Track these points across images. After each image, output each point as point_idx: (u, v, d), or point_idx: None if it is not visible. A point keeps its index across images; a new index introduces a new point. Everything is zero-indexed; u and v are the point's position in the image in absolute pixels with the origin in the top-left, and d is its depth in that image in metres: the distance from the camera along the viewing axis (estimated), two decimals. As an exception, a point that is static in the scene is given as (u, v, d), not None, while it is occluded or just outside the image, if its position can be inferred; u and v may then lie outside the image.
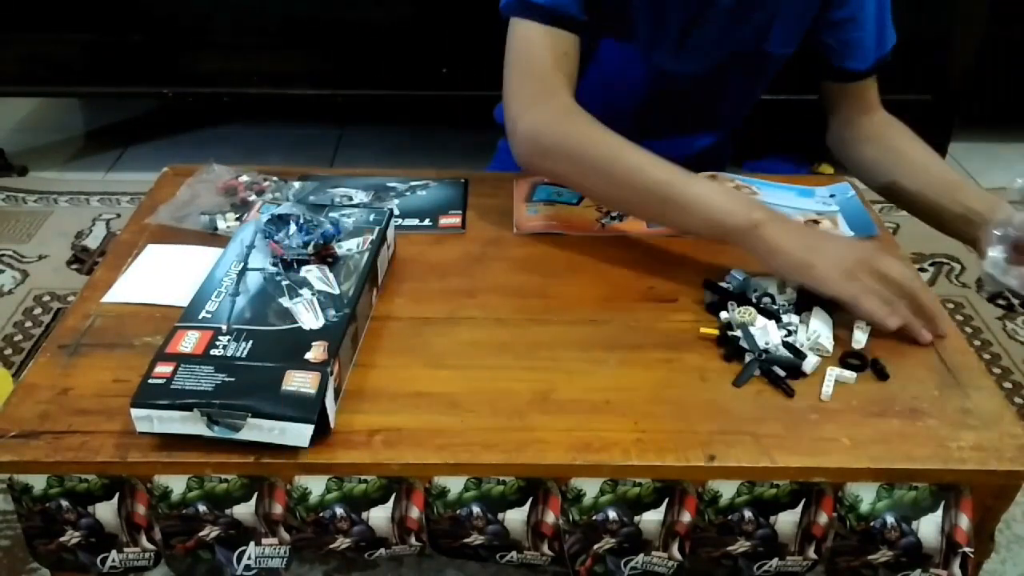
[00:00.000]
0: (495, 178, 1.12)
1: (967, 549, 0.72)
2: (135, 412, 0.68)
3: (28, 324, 1.69)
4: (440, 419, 0.74)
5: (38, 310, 1.73)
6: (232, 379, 0.70)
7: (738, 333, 0.81)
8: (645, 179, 0.88)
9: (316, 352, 0.72)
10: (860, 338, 0.83)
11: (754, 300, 0.85)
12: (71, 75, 2.13)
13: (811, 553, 0.75)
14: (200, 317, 0.76)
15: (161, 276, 0.91)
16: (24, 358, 1.60)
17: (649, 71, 1.09)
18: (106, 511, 0.73)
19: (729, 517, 0.73)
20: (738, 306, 0.84)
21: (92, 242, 1.96)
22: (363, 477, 0.72)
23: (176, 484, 0.72)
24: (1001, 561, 1.23)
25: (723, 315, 0.84)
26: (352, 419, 0.73)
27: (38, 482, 0.72)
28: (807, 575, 0.77)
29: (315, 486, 0.72)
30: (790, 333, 0.82)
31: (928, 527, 0.72)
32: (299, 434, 0.68)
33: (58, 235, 1.98)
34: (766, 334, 0.80)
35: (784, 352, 0.80)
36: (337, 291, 0.80)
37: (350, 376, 0.78)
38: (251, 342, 0.73)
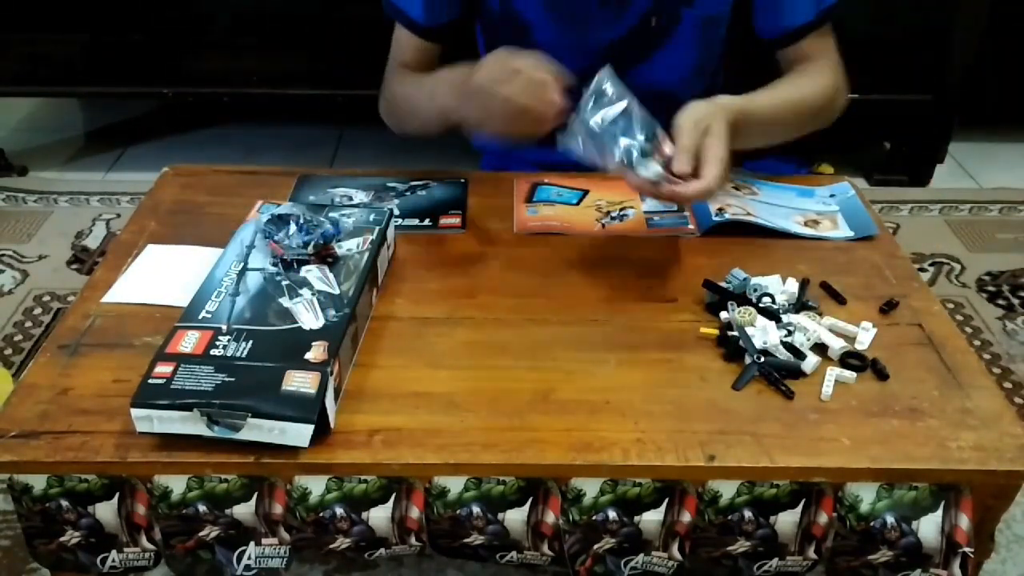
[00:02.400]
0: (495, 178, 1.12)
1: (967, 549, 0.72)
2: (135, 412, 0.68)
3: (28, 324, 1.69)
4: (440, 419, 0.74)
5: (38, 310, 1.73)
6: (232, 379, 0.70)
7: (737, 334, 0.81)
8: (409, 99, 1.09)
9: (316, 352, 0.72)
10: (863, 338, 0.83)
11: (754, 300, 0.85)
12: (71, 75, 2.13)
13: (811, 553, 0.75)
14: (200, 317, 0.76)
15: (161, 276, 0.91)
16: (24, 358, 1.60)
17: (569, 53, 1.09)
18: (106, 511, 0.73)
19: (729, 517, 0.73)
20: (738, 306, 0.84)
21: (92, 242, 1.95)
22: (363, 477, 0.72)
23: (176, 484, 0.72)
24: (1001, 561, 1.23)
25: (723, 315, 0.84)
26: (352, 419, 0.73)
27: (38, 482, 0.72)
28: (807, 575, 0.77)
29: (315, 486, 0.72)
30: (790, 333, 0.82)
31: (928, 527, 0.72)
32: (299, 434, 0.68)
33: (58, 235, 1.98)
34: (766, 334, 0.80)
35: (784, 352, 0.80)
36: (337, 291, 0.80)
37: (350, 376, 0.78)
38: (251, 342, 0.73)
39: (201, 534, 0.74)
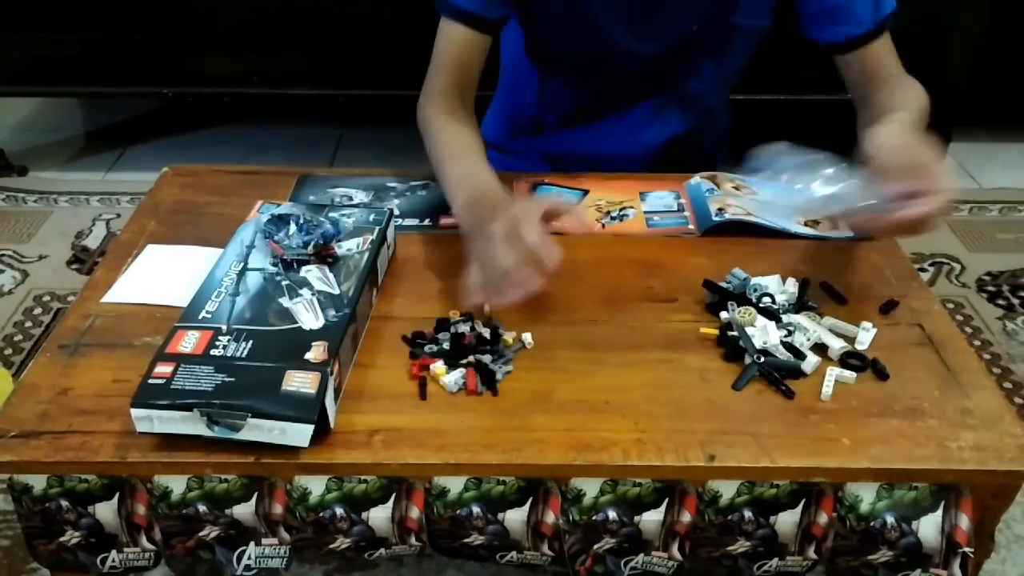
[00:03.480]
0: (495, 178, 1.12)
1: (967, 549, 0.72)
2: (135, 412, 0.68)
3: (28, 324, 1.69)
4: (440, 419, 0.74)
5: (38, 310, 1.73)
6: (232, 379, 0.70)
7: (737, 334, 0.81)
8: (436, 154, 1.02)
9: (316, 352, 0.72)
10: (863, 338, 0.83)
11: (754, 300, 0.85)
12: (71, 75, 2.13)
13: (811, 553, 0.75)
14: (200, 317, 0.76)
15: (161, 276, 0.91)
16: (24, 358, 1.60)
17: (611, 52, 1.09)
18: (106, 511, 0.73)
19: (729, 517, 0.73)
20: (738, 306, 0.84)
21: (92, 242, 1.96)
22: (363, 477, 0.72)
23: (176, 484, 0.72)
24: (1001, 561, 1.23)
25: (723, 315, 0.84)
26: (352, 419, 0.73)
27: (38, 482, 0.72)
28: (807, 575, 0.77)
29: (315, 486, 0.72)
30: (790, 333, 0.82)
31: (928, 527, 0.72)
32: (299, 434, 0.68)
33: (58, 235, 1.98)
34: (766, 334, 0.80)
35: (784, 352, 0.80)
36: (337, 291, 0.80)
37: (350, 376, 0.78)
38: (251, 342, 0.73)
39: (201, 534, 0.74)
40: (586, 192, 1.08)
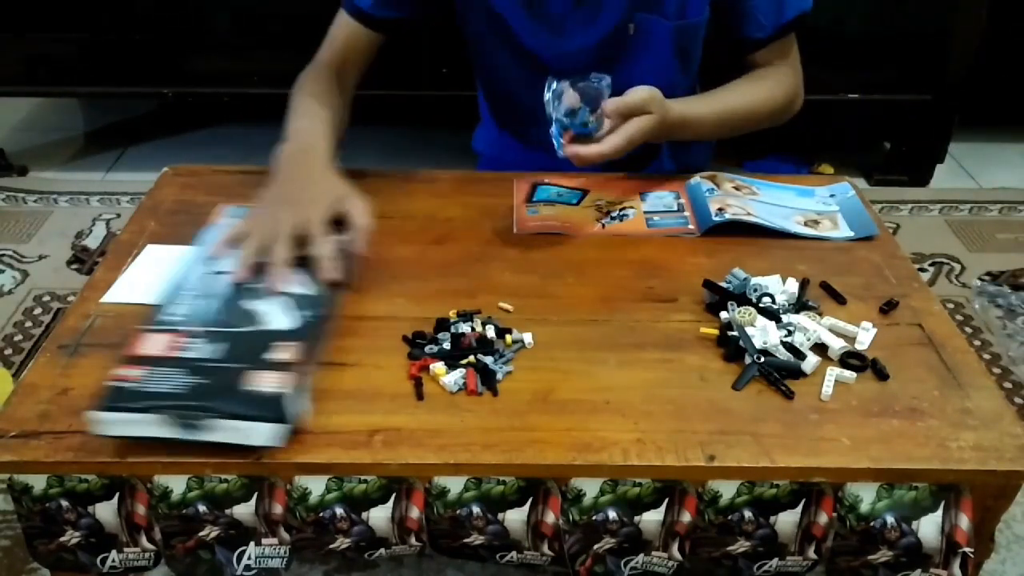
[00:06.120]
0: (495, 178, 1.12)
1: (967, 549, 0.72)
2: (100, 416, 0.67)
3: (28, 324, 1.69)
4: (440, 419, 0.74)
5: (38, 310, 1.73)
6: (199, 381, 0.69)
7: (737, 334, 0.81)
8: (290, 110, 1.13)
9: (285, 352, 0.72)
10: (863, 338, 0.83)
11: (754, 300, 0.85)
12: (71, 75, 2.13)
13: (811, 553, 0.75)
14: (166, 319, 0.76)
15: (161, 276, 0.90)
16: (24, 358, 1.60)
17: (533, 60, 1.10)
18: (106, 511, 0.74)
19: (729, 517, 0.73)
20: (738, 306, 0.84)
21: (92, 242, 1.95)
22: (363, 477, 0.72)
23: (176, 484, 0.72)
24: (1001, 561, 1.23)
25: (723, 315, 0.84)
26: (352, 419, 0.73)
27: (38, 482, 0.72)
28: (807, 575, 0.77)
29: (315, 486, 0.72)
30: (790, 333, 0.82)
31: (928, 527, 0.72)
32: (267, 434, 0.68)
33: (58, 235, 1.98)
34: (766, 334, 0.80)
35: (784, 352, 0.80)
36: (306, 291, 0.80)
37: (350, 376, 0.78)
38: (218, 343, 0.73)
39: (201, 534, 0.74)
40: (586, 192, 1.08)
